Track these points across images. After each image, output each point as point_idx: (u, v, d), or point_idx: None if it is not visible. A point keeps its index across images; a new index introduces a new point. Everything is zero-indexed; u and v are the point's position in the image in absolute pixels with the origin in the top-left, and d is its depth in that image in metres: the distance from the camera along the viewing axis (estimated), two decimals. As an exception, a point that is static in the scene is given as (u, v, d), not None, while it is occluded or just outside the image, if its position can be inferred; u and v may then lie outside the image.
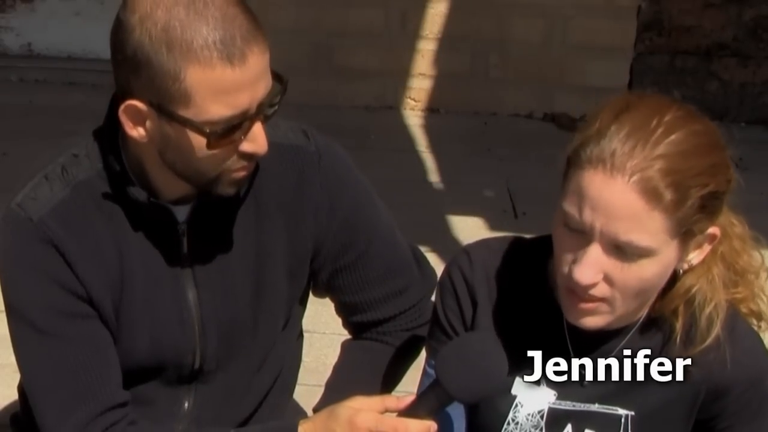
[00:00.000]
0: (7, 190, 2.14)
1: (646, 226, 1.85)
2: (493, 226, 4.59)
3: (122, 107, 1.99)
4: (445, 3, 5.69)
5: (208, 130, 1.95)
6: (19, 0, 5.94)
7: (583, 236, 1.88)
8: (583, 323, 1.95)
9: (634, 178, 1.83)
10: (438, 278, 2.39)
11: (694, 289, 1.97)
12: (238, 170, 2.03)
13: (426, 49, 5.74)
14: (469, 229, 4.53)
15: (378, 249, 2.28)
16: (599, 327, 1.96)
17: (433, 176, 5.19)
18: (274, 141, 2.16)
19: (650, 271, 1.89)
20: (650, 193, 1.83)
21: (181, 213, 2.12)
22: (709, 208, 1.89)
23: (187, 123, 1.96)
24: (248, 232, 2.18)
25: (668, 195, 1.84)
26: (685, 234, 1.89)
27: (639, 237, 1.85)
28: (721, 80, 5.77)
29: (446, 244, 4.24)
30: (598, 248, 1.87)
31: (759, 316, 2.08)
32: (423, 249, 2.45)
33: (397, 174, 4.97)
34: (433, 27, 5.72)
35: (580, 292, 1.91)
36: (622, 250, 1.87)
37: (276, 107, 2.04)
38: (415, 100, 5.81)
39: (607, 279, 1.89)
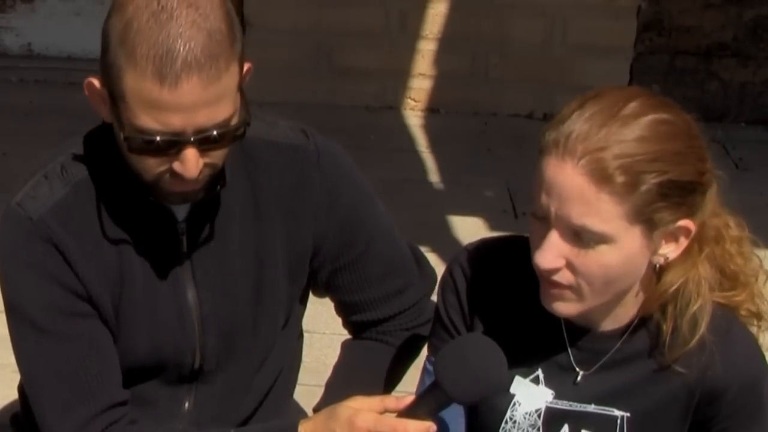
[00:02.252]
0: (7, 190, 2.14)
1: (598, 209, 1.85)
2: (493, 226, 4.59)
3: (86, 81, 2.02)
4: (445, 3, 5.69)
5: (130, 135, 1.96)
6: (19, 0, 5.94)
7: (544, 222, 1.90)
8: (554, 309, 1.96)
9: (583, 160, 1.84)
10: (438, 278, 2.40)
11: (674, 286, 1.96)
12: (173, 185, 2.02)
13: (426, 49, 5.74)
14: (469, 229, 4.53)
15: (377, 248, 2.28)
16: (571, 314, 1.97)
17: (433, 176, 5.19)
18: (273, 140, 2.16)
19: (611, 259, 1.89)
20: (598, 175, 1.84)
21: (181, 211, 2.12)
22: (672, 197, 1.88)
23: (119, 120, 1.97)
24: (248, 231, 2.18)
25: (618, 178, 1.84)
26: (646, 222, 1.88)
27: (592, 221, 1.85)
28: (721, 80, 5.77)
29: (446, 244, 4.23)
30: (556, 233, 1.88)
31: (759, 317, 2.08)
32: (423, 249, 2.45)
33: (397, 174, 4.97)
34: (433, 27, 5.71)
35: (546, 277, 1.92)
36: (579, 236, 1.87)
37: (224, 141, 1.99)
38: (415, 100, 5.81)
39: (570, 266, 1.90)
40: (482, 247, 2.13)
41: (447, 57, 5.74)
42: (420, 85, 5.79)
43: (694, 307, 1.97)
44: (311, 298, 2.39)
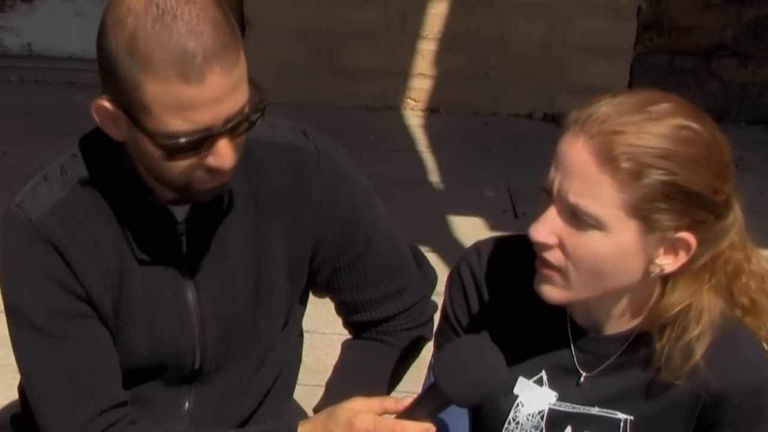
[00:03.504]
0: (7, 190, 2.14)
1: (596, 191, 1.85)
2: (493, 226, 4.59)
3: (94, 105, 1.99)
4: (445, 3, 5.69)
5: (165, 143, 1.94)
6: (19, 0, 5.94)
7: (549, 197, 1.90)
8: (541, 291, 1.96)
9: (594, 139, 1.85)
10: (438, 278, 2.40)
11: (676, 309, 1.95)
12: (206, 182, 2.01)
13: (426, 49, 5.74)
14: (469, 229, 4.53)
15: (377, 248, 2.28)
16: (558, 300, 1.96)
17: (433, 176, 5.19)
18: (273, 141, 2.16)
19: (601, 248, 1.88)
20: (603, 156, 1.84)
21: (180, 213, 2.12)
22: (676, 202, 1.86)
23: (146, 132, 1.95)
24: (247, 231, 2.18)
25: (622, 163, 1.83)
26: (643, 220, 1.87)
27: (587, 202, 1.85)
28: (721, 80, 5.77)
29: (446, 244, 4.24)
30: (555, 209, 1.89)
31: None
32: (423, 249, 2.45)
33: (397, 174, 4.97)
34: (433, 27, 5.72)
35: (538, 252, 1.92)
36: (575, 216, 1.87)
37: (249, 124, 2.00)
38: (415, 100, 5.81)
39: (562, 246, 1.90)
40: (491, 246, 2.13)
41: (447, 57, 5.74)
42: (420, 85, 5.79)
43: (691, 335, 1.95)
44: (311, 298, 2.39)
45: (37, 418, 2.15)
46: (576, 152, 1.86)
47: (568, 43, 5.70)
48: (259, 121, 2.01)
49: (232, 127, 1.95)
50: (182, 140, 1.93)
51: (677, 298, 1.95)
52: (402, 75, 5.78)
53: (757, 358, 2.03)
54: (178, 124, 1.92)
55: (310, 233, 2.22)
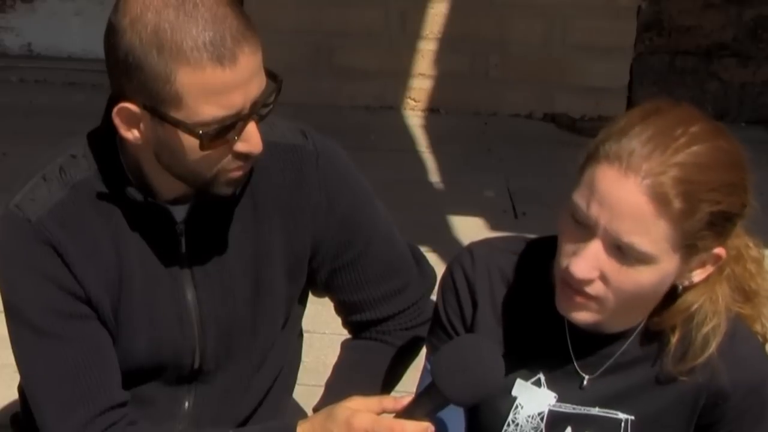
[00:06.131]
0: (7, 190, 2.14)
1: (650, 231, 1.84)
2: (493, 226, 4.58)
3: (115, 110, 1.99)
4: (445, 3, 5.68)
5: (200, 132, 1.95)
6: (19, 0, 5.94)
7: (586, 230, 1.87)
8: (572, 316, 1.95)
9: (647, 180, 1.82)
10: (437, 277, 2.40)
11: (694, 307, 1.96)
12: (234, 170, 2.03)
13: (426, 49, 5.74)
14: (469, 229, 4.53)
15: (377, 248, 2.28)
16: (588, 323, 1.96)
17: (433, 176, 5.19)
18: (271, 140, 2.16)
19: (647, 278, 1.88)
20: (659, 199, 1.82)
21: (179, 213, 2.12)
22: (718, 227, 1.87)
23: (179, 125, 1.95)
24: (246, 231, 2.18)
25: (677, 204, 1.82)
26: (688, 248, 1.87)
27: (641, 241, 1.84)
28: (721, 80, 5.76)
29: (446, 244, 4.23)
30: (599, 245, 1.87)
31: (763, 338, 2.07)
32: (423, 249, 2.45)
33: (397, 174, 4.97)
34: (433, 27, 5.71)
35: (575, 286, 1.90)
36: (622, 252, 1.86)
37: (271, 106, 2.04)
38: (415, 100, 5.81)
39: (603, 278, 1.89)
40: (484, 247, 2.12)
41: (447, 57, 5.74)
42: (420, 85, 5.79)
43: (708, 327, 1.96)
44: (311, 298, 2.39)
45: (36, 418, 2.15)
46: (627, 193, 1.83)
47: (568, 43, 5.70)
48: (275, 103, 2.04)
49: (258, 110, 1.98)
50: (216, 126, 1.95)
51: (693, 296, 1.96)
52: (402, 75, 5.77)
53: (756, 355, 2.04)
54: (210, 110, 1.94)
55: (309, 233, 2.22)
